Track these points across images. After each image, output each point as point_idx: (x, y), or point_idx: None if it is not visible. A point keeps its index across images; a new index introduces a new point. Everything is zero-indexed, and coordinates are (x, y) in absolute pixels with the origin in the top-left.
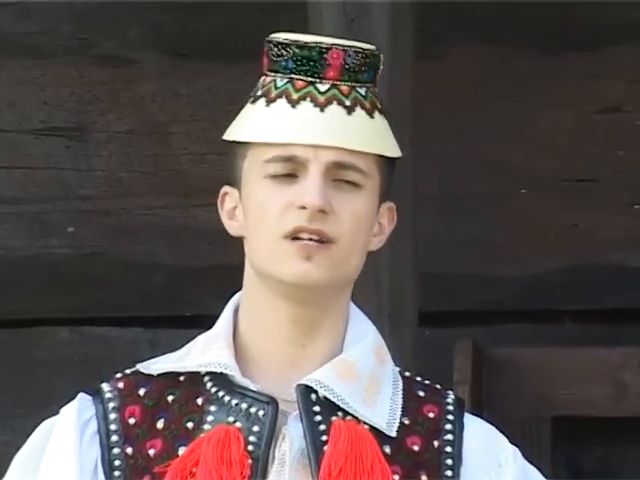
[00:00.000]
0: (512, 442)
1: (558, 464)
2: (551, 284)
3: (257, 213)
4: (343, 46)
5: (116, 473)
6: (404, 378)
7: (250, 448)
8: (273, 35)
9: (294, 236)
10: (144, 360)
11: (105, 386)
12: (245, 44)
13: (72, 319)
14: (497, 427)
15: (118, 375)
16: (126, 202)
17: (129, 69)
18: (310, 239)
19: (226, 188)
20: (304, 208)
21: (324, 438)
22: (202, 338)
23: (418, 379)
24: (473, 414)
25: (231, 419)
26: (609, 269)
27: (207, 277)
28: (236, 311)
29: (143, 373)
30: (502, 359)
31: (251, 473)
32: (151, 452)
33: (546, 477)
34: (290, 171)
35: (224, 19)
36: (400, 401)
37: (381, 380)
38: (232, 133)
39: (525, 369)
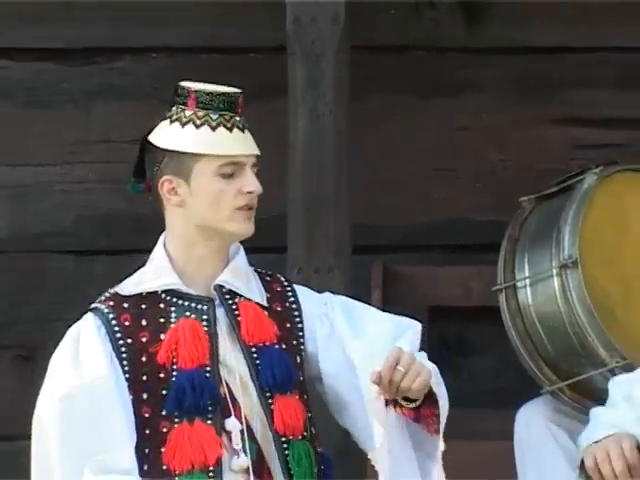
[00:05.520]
0: None
1: (432, 336)
2: (429, 230)
3: (214, 195)
4: (241, 92)
5: (124, 355)
6: (256, 272)
7: (205, 329)
8: (199, 87)
9: (242, 208)
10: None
11: (100, 305)
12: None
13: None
14: (397, 313)
15: (103, 297)
16: None
17: None
18: (249, 208)
19: (166, 177)
20: (251, 193)
21: (237, 313)
22: (149, 269)
23: (261, 271)
24: (299, 283)
25: (188, 314)
26: (462, 222)
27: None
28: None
29: (120, 294)
30: (400, 273)
31: (209, 342)
32: (143, 339)
33: (423, 348)
34: (233, 171)
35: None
36: (261, 285)
37: (250, 276)
38: (181, 145)
39: (414, 279)
